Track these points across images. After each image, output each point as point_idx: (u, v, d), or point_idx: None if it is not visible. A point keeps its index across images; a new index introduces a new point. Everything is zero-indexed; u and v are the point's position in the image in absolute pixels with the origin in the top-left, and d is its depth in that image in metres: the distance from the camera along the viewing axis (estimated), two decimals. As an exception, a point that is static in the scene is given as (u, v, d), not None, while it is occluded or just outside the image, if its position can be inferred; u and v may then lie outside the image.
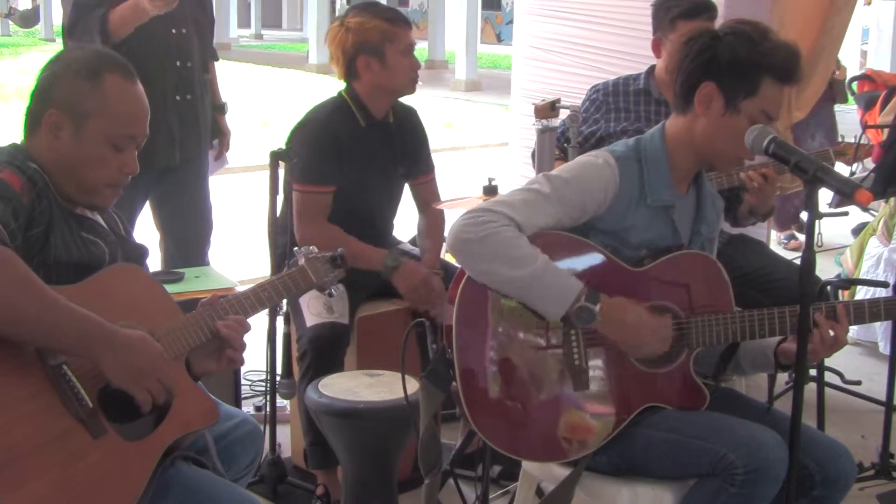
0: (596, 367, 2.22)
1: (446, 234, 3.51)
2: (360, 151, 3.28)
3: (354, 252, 3.04)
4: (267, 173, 3.15)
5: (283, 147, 3.22)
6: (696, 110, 2.28)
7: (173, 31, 3.67)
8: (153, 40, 3.50)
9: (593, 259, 2.25)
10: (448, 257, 3.88)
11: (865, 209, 5.27)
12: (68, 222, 2.02)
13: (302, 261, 2.36)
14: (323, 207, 3.25)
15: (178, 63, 3.69)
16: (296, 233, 3.13)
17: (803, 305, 2.09)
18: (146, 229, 3.85)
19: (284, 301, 3.16)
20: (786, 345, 2.30)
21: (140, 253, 2.25)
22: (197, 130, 3.83)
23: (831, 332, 2.21)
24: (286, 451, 3.52)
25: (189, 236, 3.90)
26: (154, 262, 3.01)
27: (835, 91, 6.20)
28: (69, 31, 3.55)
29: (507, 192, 2.28)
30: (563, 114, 3.37)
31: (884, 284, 3.90)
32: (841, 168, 3.08)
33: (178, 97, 3.70)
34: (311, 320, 3.13)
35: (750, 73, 2.21)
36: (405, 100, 3.47)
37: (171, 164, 3.70)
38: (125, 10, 3.46)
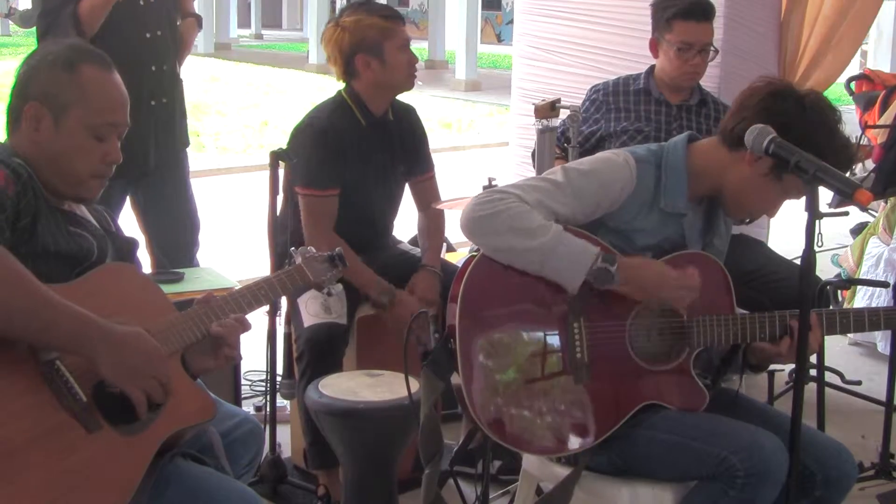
0: (598, 361, 2.22)
1: (446, 232, 3.54)
2: (361, 151, 3.28)
3: (355, 269, 3.09)
4: (267, 173, 3.15)
5: (283, 149, 3.21)
6: (744, 155, 2.24)
7: (147, 35, 3.66)
8: (125, 46, 3.46)
9: None
10: (448, 257, 3.89)
11: (865, 209, 5.27)
12: (55, 217, 2.02)
13: (299, 259, 2.36)
14: (330, 212, 3.24)
15: (152, 67, 3.68)
16: (305, 239, 3.12)
17: (803, 305, 2.10)
18: (130, 233, 3.85)
19: (284, 301, 3.17)
20: (755, 343, 2.30)
21: (130, 246, 2.25)
22: (173, 134, 3.82)
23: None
24: (286, 451, 3.52)
25: (175, 239, 3.89)
26: (143, 267, 2.99)
27: None
28: (42, 39, 3.53)
29: (521, 180, 2.29)
30: (563, 114, 3.37)
31: (884, 284, 3.90)
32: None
33: (153, 102, 3.68)
34: (308, 321, 3.13)
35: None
36: (404, 98, 3.47)
37: (146, 169, 3.69)
38: None
